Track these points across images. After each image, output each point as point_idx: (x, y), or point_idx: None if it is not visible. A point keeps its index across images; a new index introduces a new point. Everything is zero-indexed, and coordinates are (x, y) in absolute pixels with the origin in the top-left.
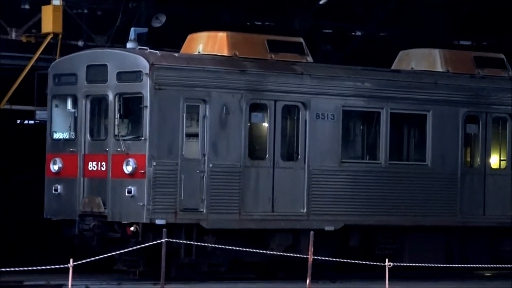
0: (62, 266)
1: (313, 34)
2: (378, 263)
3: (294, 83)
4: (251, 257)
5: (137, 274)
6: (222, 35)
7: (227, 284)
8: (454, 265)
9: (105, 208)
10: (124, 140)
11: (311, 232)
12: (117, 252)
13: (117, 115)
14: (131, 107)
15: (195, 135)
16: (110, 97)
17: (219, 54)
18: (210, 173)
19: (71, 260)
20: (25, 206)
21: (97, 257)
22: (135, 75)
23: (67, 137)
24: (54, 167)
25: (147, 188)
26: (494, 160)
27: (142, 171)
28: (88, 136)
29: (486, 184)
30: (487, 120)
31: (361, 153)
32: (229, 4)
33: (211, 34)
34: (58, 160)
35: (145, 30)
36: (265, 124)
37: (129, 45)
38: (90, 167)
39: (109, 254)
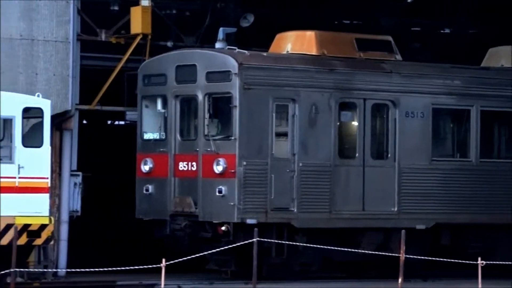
0: (154, 266)
1: (401, 32)
2: (470, 262)
3: (383, 82)
4: (342, 256)
5: (228, 273)
6: (310, 34)
7: (319, 283)
8: None
9: (196, 208)
10: (214, 140)
11: (403, 230)
12: (209, 251)
13: (207, 115)
14: (220, 107)
15: (285, 135)
16: (200, 97)
17: (307, 53)
18: (300, 172)
19: (163, 260)
20: (116, 206)
21: (188, 257)
22: (224, 75)
23: (158, 137)
24: (145, 167)
25: (238, 187)
26: None
27: (232, 171)
28: (178, 136)
29: None
30: None
31: (452, 151)
32: (317, 3)
33: (300, 33)
34: (148, 160)
35: (233, 30)
36: (355, 123)
37: (217, 45)
38: (181, 167)
39: (201, 254)
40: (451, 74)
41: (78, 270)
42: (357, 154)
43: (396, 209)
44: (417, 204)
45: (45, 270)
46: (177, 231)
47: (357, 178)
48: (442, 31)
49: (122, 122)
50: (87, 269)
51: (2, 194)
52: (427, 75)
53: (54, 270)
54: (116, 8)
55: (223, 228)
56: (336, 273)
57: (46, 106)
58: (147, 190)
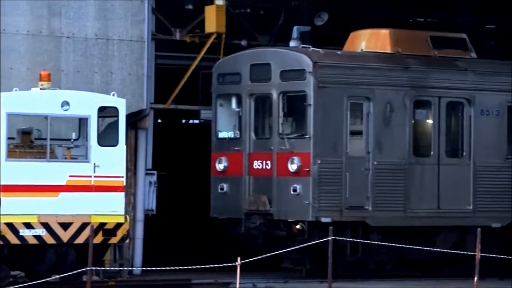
0: (229, 264)
1: (476, 30)
2: None
3: (458, 79)
4: (417, 254)
5: (303, 272)
6: (384, 32)
7: (393, 282)
8: None
9: (270, 207)
10: (288, 138)
11: (478, 229)
12: (284, 250)
13: (281, 114)
14: (295, 106)
15: (359, 133)
16: (274, 95)
17: (382, 51)
18: (375, 171)
19: (238, 259)
20: (191, 205)
21: (263, 256)
22: (299, 74)
23: (232, 136)
24: (220, 166)
25: (312, 186)
26: None
27: (307, 169)
28: (252, 134)
29: None
30: None
31: None
32: (391, 1)
33: (374, 31)
34: (223, 159)
35: (307, 28)
36: (429, 121)
37: (292, 43)
38: (255, 165)
39: (276, 253)
40: None
41: (153, 268)
42: (432, 152)
43: (471, 207)
44: (492, 202)
45: (121, 268)
46: (251, 230)
47: (432, 176)
48: None
49: (196, 121)
50: (162, 268)
51: (78, 193)
52: (502, 73)
53: (130, 268)
54: (190, 7)
55: (297, 226)
56: (411, 271)
57: (121, 105)
58: (221, 188)
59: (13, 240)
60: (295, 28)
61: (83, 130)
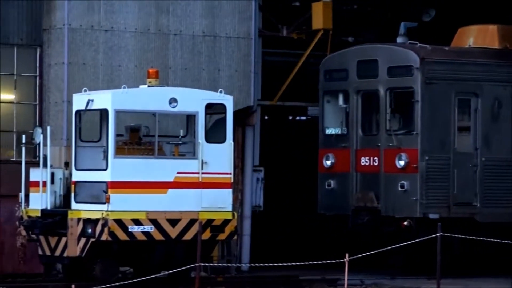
0: (337, 261)
1: None
2: None
3: None
4: None
5: (411, 268)
6: (492, 28)
7: (502, 279)
8: None
9: (378, 203)
10: (396, 134)
11: None
12: (392, 246)
13: (389, 110)
14: (402, 102)
15: (467, 129)
16: (381, 92)
17: (489, 47)
18: (483, 167)
19: (346, 255)
20: (298, 201)
21: (371, 252)
22: (406, 70)
23: (339, 132)
24: (327, 163)
25: (420, 182)
26: None
27: (415, 166)
28: (360, 131)
29: None
30: None
31: None
32: None
33: (482, 27)
34: (330, 155)
35: (414, 24)
36: None
37: (399, 39)
38: (362, 162)
39: (384, 249)
40: None
41: (261, 265)
42: None
43: None
44: None
45: (229, 264)
46: (359, 226)
47: None
48: None
49: (303, 118)
50: (270, 264)
51: (186, 190)
52: None
53: (238, 264)
54: (297, 3)
55: (405, 223)
56: None
57: (229, 102)
58: (329, 185)
59: (122, 236)
60: (402, 24)
61: (190, 127)
